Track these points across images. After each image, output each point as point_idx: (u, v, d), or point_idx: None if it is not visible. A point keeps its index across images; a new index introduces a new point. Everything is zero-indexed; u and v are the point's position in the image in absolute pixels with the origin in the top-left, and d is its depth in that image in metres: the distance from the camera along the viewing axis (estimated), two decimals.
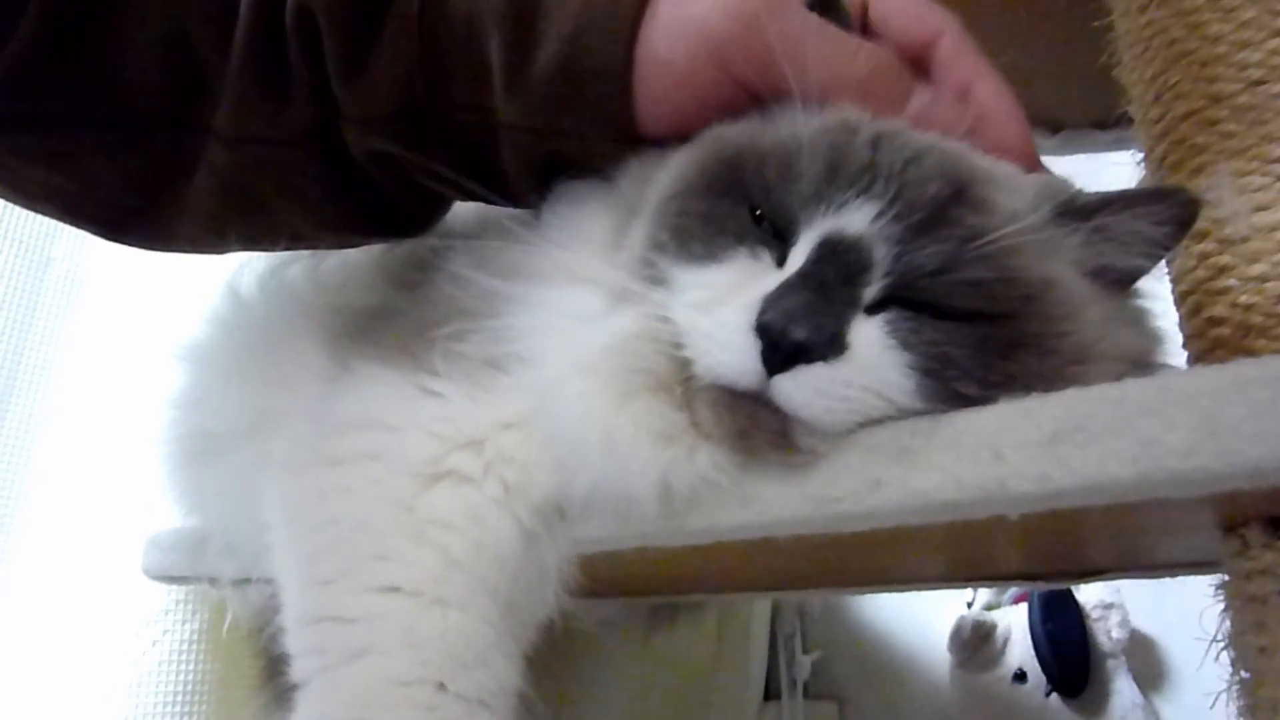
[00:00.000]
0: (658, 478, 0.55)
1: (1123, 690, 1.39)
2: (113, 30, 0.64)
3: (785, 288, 0.52)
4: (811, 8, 0.61)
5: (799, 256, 0.54)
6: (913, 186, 0.54)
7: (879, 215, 0.53)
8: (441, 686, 0.58)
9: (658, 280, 0.57)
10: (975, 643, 1.45)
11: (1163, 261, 0.59)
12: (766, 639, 1.61)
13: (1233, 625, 0.53)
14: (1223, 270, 0.57)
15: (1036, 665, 1.41)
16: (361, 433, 0.66)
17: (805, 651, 1.63)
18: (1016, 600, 1.50)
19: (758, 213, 0.57)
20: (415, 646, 0.59)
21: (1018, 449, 0.46)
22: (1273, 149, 0.57)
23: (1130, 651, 1.42)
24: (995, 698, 1.44)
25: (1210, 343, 0.57)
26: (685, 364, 0.55)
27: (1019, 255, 0.53)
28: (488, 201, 0.72)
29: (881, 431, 0.51)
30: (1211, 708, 0.54)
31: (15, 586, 1.09)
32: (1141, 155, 0.66)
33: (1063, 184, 0.60)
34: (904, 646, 1.65)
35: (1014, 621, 1.45)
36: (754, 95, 0.62)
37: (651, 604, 1.12)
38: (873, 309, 0.53)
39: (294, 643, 0.64)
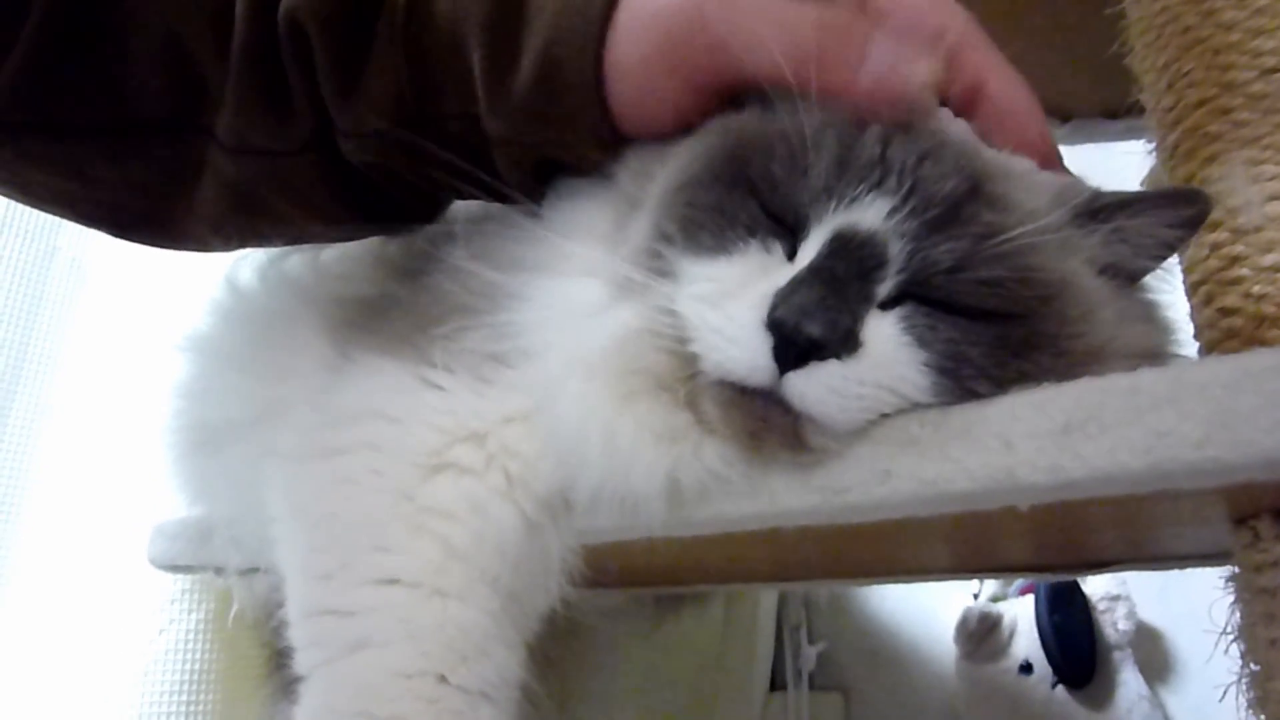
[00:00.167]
0: (664, 475, 0.55)
1: (1129, 682, 1.39)
2: (114, 38, 0.64)
3: (798, 282, 0.51)
4: None
5: (810, 250, 0.53)
6: (928, 182, 0.53)
7: (893, 211, 0.52)
8: (443, 678, 0.58)
9: (663, 272, 0.56)
10: (981, 634, 1.45)
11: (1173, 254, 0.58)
12: (772, 630, 1.61)
13: (1243, 617, 0.52)
14: (1235, 260, 0.57)
15: (1043, 657, 1.40)
16: (363, 423, 0.66)
17: (811, 642, 1.62)
18: (1023, 592, 1.49)
19: (766, 205, 0.56)
20: (415, 638, 0.59)
21: (1029, 439, 0.46)
22: None
23: (1137, 643, 1.42)
24: (1001, 689, 1.43)
25: (1222, 333, 0.57)
26: (688, 361, 0.54)
27: (1036, 254, 0.53)
28: (488, 199, 0.72)
29: (890, 422, 0.51)
30: (1221, 700, 0.53)
31: (21, 575, 1.09)
32: (1153, 144, 0.65)
33: (1081, 184, 0.59)
34: (910, 638, 1.64)
35: (1020, 613, 1.45)
36: (737, 86, 0.60)
37: (657, 595, 1.12)
38: (887, 305, 0.52)
39: (296, 635, 0.64)
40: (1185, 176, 0.61)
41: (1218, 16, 0.60)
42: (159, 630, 1.10)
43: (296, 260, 0.88)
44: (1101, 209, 0.56)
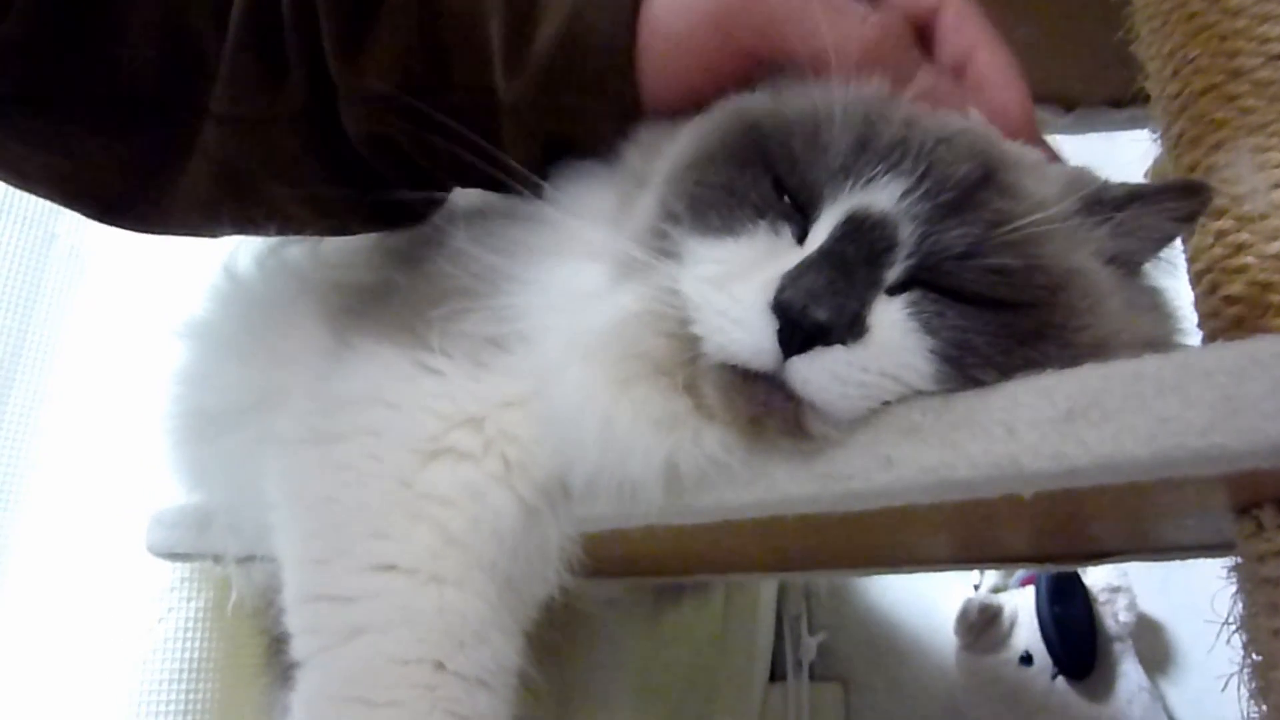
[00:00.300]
0: (662, 462, 0.55)
1: (1129, 673, 1.39)
2: (108, 10, 0.64)
3: (806, 265, 0.50)
4: None
5: (821, 233, 0.53)
6: (943, 166, 0.53)
7: (907, 193, 0.52)
8: (440, 665, 0.58)
9: (668, 252, 0.56)
10: (982, 625, 1.45)
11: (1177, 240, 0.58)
12: (773, 620, 1.61)
13: (1245, 608, 0.52)
14: (1240, 248, 0.56)
15: (1043, 648, 1.40)
16: (361, 409, 0.66)
17: (811, 633, 1.63)
18: (1024, 583, 1.49)
19: (780, 186, 0.56)
20: (411, 625, 0.59)
21: (1032, 426, 0.45)
22: None
23: (1137, 635, 1.42)
24: (1001, 680, 1.43)
25: (1227, 321, 0.56)
26: (688, 344, 0.54)
27: (1046, 244, 0.52)
28: (488, 188, 0.71)
29: (892, 409, 0.50)
30: (1223, 690, 0.53)
31: (20, 564, 1.09)
32: (1158, 133, 0.65)
33: (1090, 174, 0.59)
34: (910, 628, 1.64)
35: (1021, 604, 1.45)
36: (761, 65, 0.61)
37: (657, 584, 1.12)
38: (894, 290, 0.52)
39: (293, 621, 0.64)
40: (1190, 164, 0.61)
41: (1224, 2, 0.59)
42: (158, 618, 1.10)
43: (296, 248, 0.88)
44: (1111, 200, 0.56)
